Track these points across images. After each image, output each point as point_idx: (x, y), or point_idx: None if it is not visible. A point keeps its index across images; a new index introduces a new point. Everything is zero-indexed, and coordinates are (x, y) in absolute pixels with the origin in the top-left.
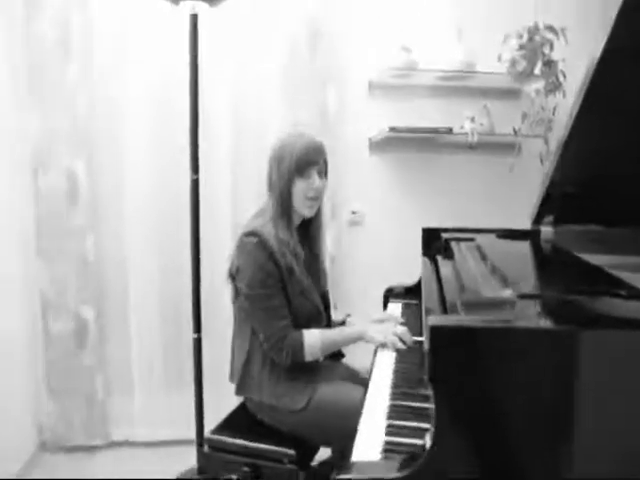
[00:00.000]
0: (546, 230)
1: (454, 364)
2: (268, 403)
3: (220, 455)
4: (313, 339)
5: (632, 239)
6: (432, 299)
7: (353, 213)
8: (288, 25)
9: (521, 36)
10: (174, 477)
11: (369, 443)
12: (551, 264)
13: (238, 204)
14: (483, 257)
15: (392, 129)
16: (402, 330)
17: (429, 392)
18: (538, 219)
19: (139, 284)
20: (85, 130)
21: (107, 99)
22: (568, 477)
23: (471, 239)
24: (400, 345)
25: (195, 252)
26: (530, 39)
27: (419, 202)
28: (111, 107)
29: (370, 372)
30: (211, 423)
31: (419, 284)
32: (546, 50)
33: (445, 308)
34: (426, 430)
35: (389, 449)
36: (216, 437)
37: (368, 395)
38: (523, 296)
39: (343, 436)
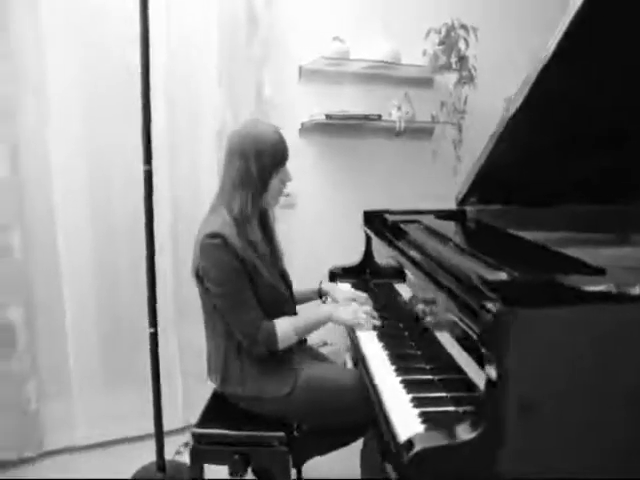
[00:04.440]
0: (470, 209)
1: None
2: (253, 395)
3: (207, 447)
4: (285, 327)
5: (545, 217)
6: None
7: (286, 195)
8: (226, 11)
9: (440, 32)
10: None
11: (404, 418)
12: (501, 241)
13: (176, 192)
14: (443, 238)
15: (328, 116)
16: (369, 309)
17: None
18: (463, 200)
19: (74, 281)
20: (6, 114)
21: (32, 86)
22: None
23: (415, 221)
24: (375, 322)
25: (150, 245)
26: (447, 35)
27: (348, 184)
28: (37, 93)
29: (357, 351)
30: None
31: (361, 264)
32: (462, 46)
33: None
34: (443, 399)
35: (427, 419)
36: (201, 430)
37: (375, 375)
38: (521, 278)
39: (333, 412)
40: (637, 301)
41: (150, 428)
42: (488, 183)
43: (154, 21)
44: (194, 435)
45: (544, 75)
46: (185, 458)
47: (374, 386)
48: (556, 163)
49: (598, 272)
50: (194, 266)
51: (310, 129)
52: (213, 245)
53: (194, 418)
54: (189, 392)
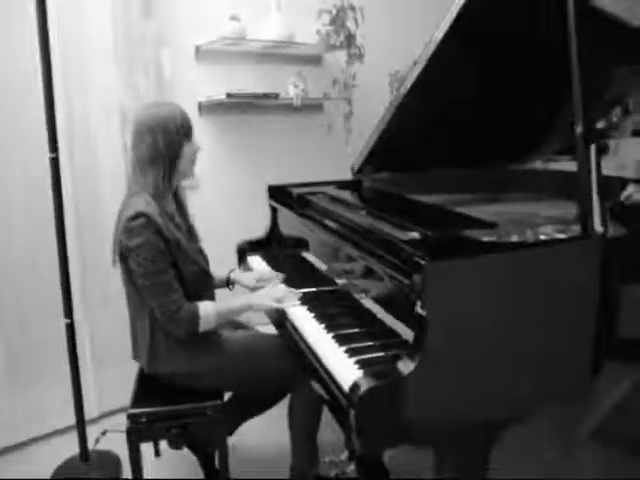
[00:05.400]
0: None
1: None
2: (183, 371)
3: (143, 426)
4: (207, 310)
5: (429, 181)
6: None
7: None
8: None
9: (330, 12)
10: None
11: (344, 369)
12: (402, 205)
13: (76, 178)
14: (350, 206)
15: (229, 95)
16: (285, 290)
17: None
18: (360, 170)
19: None
20: None
21: None
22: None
23: (319, 192)
24: (296, 293)
25: (60, 236)
26: (337, 15)
27: (249, 161)
28: None
29: (283, 316)
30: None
31: (267, 237)
32: (352, 26)
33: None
34: (372, 347)
35: (363, 365)
36: (136, 410)
37: (307, 336)
38: (430, 235)
39: (261, 377)
40: (536, 246)
41: (62, 422)
42: (381, 153)
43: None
44: (129, 416)
45: (435, 55)
46: (105, 446)
47: (309, 346)
48: (439, 132)
49: (491, 226)
50: (116, 248)
51: (209, 109)
52: (138, 225)
53: (108, 406)
54: (101, 381)
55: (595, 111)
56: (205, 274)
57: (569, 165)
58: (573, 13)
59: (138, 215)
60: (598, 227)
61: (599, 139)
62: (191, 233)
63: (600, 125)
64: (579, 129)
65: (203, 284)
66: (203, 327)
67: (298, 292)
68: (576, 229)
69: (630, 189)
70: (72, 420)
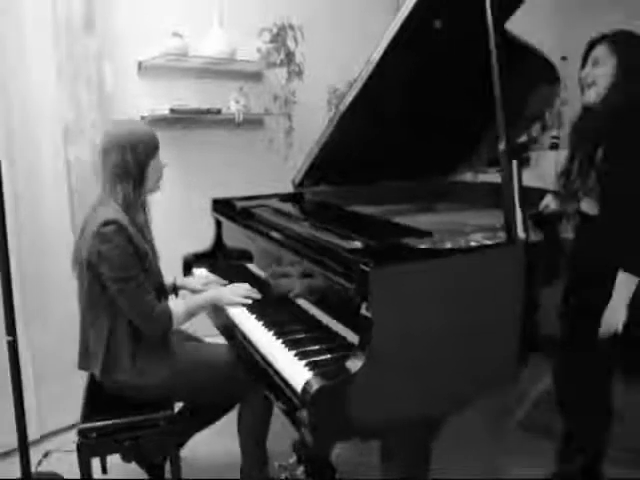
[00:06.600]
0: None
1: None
2: (135, 381)
3: (94, 441)
4: (178, 308)
5: (367, 194)
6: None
7: None
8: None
9: (271, 31)
10: None
11: (295, 372)
12: (343, 216)
13: (17, 191)
14: (293, 218)
15: (172, 110)
16: (248, 288)
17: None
18: (301, 183)
19: None
20: None
21: None
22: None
23: (263, 205)
24: (255, 295)
25: (4, 249)
26: (277, 34)
27: (191, 175)
28: None
29: (233, 326)
30: None
31: (212, 250)
32: (291, 44)
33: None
34: (319, 350)
35: (312, 367)
36: (87, 425)
37: (258, 343)
38: (372, 244)
39: (213, 388)
40: (468, 252)
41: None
42: (321, 167)
43: None
44: (80, 431)
45: (373, 74)
46: (48, 468)
47: (260, 353)
48: (377, 147)
49: (427, 234)
50: (78, 256)
51: (152, 123)
52: (110, 231)
53: (48, 427)
54: (40, 401)
55: (517, 128)
56: (162, 287)
57: (496, 177)
58: (494, 45)
59: (109, 222)
60: (521, 234)
61: (521, 154)
62: (153, 248)
63: (522, 139)
64: (502, 147)
65: (164, 295)
66: (176, 324)
67: (257, 294)
68: (502, 236)
69: (547, 199)
70: (13, 444)
